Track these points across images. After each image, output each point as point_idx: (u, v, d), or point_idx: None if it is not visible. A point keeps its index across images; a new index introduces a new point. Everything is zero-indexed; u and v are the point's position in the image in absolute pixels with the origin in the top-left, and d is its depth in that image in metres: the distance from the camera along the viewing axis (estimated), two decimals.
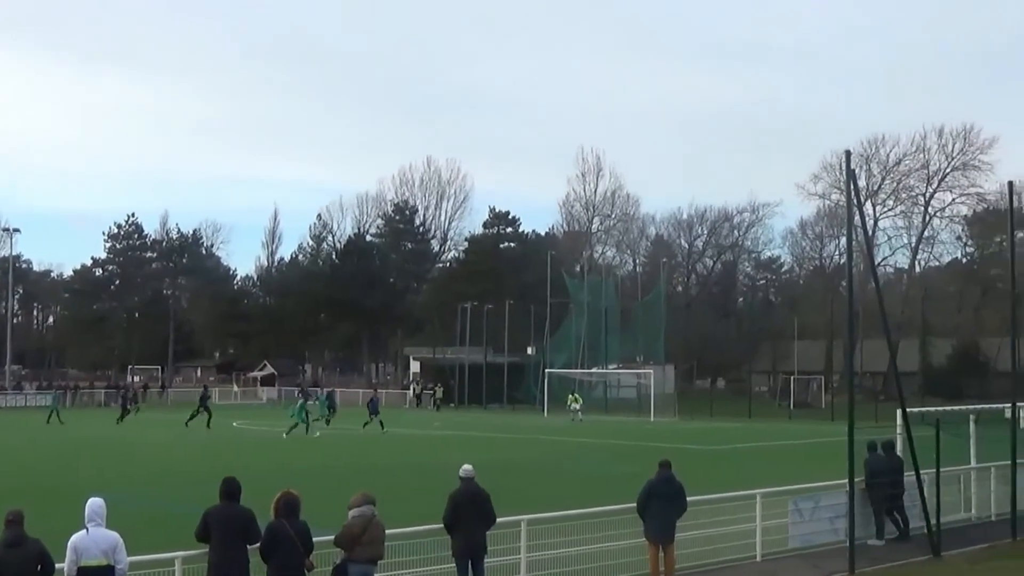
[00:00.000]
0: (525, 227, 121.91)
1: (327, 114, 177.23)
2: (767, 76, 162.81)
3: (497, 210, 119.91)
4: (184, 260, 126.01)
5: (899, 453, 20.41)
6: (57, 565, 10.86)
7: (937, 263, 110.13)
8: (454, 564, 14.21)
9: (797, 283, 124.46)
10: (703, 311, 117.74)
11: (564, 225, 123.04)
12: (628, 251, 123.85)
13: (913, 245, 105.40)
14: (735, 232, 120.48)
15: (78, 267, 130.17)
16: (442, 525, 14.29)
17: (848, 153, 21.49)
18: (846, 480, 17.89)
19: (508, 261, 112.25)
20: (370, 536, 12.68)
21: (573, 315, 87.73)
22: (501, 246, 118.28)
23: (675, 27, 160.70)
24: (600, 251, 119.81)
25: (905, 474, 19.98)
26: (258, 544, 11.89)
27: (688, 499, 16.62)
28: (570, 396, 68.39)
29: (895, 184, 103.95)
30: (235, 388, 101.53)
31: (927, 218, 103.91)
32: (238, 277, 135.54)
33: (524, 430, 55.41)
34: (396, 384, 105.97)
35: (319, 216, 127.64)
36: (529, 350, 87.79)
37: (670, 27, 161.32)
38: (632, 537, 16.40)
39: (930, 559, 18.71)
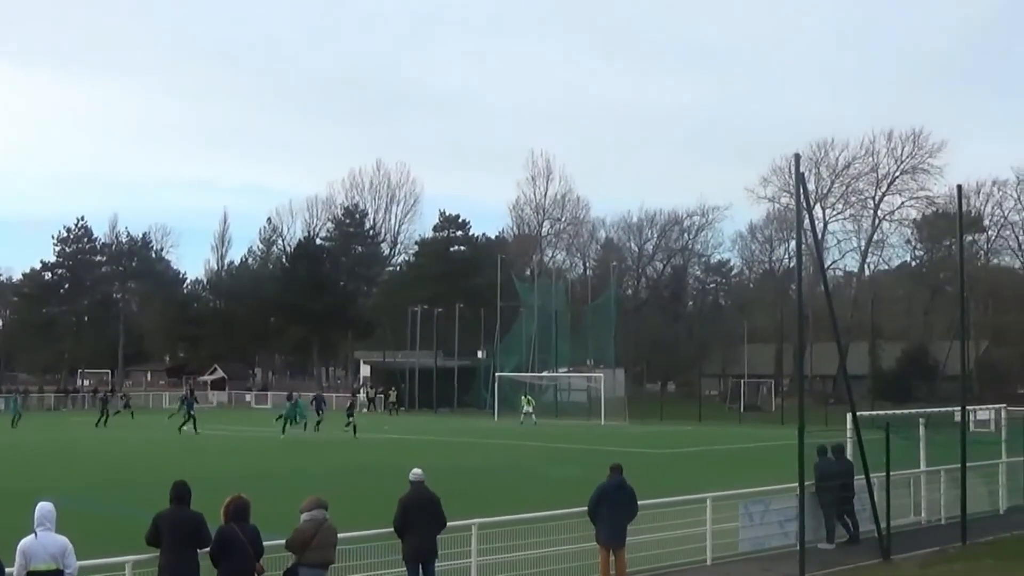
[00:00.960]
0: (475, 230, 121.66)
1: (277, 117, 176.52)
2: (716, 80, 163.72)
3: (447, 213, 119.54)
4: (134, 264, 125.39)
5: (849, 457, 20.52)
6: (7, 569, 10.72)
7: (886, 266, 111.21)
8: (405, 568, 14.15)
9: (747, 287, 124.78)
10: (653, 315, 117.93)
11: (514, 228, 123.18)
12: (578, 254, 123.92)
13: (862, 248, 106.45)
14: (685, 236, 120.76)
15: (27, 271, 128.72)
16: (392, 529, 14.24)
17: (797, 156, 21.49)
18: (796, 484, 17.86)
19: (458, 264, 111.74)
20: (321, 540, 12.62)
21: (523, 319, 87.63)
22: (451, 249, 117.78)
23: (625, 31, 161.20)
24: (550, 255, 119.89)
25: (855, 478, 20.08)
26: (208, 548, 11.80)
27: (639, 503, 16.61)
28: (523, 398, 68.19)
29: (844, 187, 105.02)
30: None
31: (876, 221, 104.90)
32: (188, 281, 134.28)
33: (474, 434, 55.30)
34: (346, 388, 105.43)
35: (269, 220, 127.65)
36: (480, 354, 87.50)
37: (620, 31, 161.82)
38: (583, 541, 16.39)
39: (880, 563, 18.77)
